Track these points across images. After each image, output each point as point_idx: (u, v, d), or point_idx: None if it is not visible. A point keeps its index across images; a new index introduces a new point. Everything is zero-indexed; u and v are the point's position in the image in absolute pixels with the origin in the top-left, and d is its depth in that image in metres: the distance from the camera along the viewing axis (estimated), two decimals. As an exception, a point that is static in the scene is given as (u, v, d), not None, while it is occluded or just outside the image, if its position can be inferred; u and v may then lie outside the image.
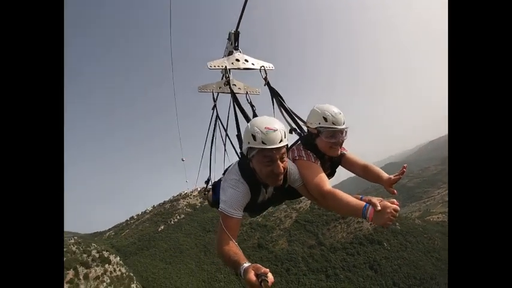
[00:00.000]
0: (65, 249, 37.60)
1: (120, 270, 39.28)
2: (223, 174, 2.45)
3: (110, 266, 37.90)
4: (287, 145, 1.92)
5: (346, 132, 2.32)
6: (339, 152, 2.39)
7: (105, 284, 35.37)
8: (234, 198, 1.91)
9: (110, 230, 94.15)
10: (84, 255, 37.13)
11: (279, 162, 1.84)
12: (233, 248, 1.73)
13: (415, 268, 55.85)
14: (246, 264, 1.50)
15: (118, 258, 42.30)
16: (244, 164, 2.01)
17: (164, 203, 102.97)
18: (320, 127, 2.29)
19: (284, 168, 1.91)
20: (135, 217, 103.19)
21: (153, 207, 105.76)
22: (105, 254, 40.53)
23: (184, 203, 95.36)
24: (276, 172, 1.86)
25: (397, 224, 62.25)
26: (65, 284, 32.27)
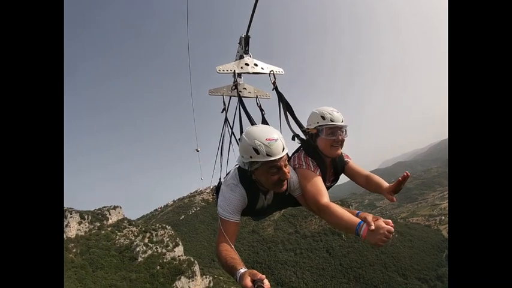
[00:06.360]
0: (140, 226, 71.76)
1: (171, 232, 70.65)
2: (224, 178, 2.45)
3: (167, 230, 69.50)
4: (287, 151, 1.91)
5: (345, 130, 2.31)
6: (340, 151, 2.35)
7: (166, 237, 66.50)
8: (230, 202, 1.91)
9: (139, 219, 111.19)
10: (152, 226, 68.48)
11: (284, 168, 1.84)
12: (230, 252, 1.72)
13: (359, 255, 74.34)
14: (243, 270, 1.47)
15: (169, 227, 73.79)
16: (244, 172, 1.98)
17: (183, 197, 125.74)
18: (319, 126, 2.28)
19: (289, 173, 1.90)
20: (159, 209, 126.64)
21: (174, 201, 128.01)
22: (163, 224, 72.88)
23: (200, 198, 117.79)
24: (283, 178, 1.86)
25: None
26: (146, 238, 64.71)
